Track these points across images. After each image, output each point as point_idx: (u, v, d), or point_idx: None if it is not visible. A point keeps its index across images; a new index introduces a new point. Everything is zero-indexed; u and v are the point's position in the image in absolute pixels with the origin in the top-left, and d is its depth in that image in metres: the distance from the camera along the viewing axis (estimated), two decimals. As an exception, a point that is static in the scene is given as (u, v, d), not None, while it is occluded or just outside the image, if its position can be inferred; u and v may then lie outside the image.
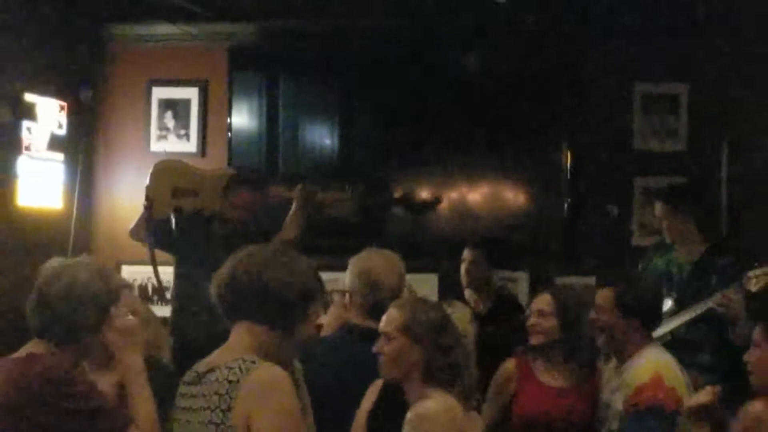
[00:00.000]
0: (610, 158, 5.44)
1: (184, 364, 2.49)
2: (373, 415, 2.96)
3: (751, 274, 4.02)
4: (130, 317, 2.62)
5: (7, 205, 5.06)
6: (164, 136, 5.85)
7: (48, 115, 5.32)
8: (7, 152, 5.06)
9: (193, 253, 4.46)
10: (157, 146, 5.83)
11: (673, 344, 4.12)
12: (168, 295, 4.89)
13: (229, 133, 5.72)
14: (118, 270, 5.30)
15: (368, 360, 2.92)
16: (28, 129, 5.17)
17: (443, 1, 5.28)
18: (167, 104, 5.86)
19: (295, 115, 5.86)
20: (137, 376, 2.55)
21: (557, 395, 3.55)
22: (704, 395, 3.00)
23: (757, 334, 3.04)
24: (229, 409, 2.25)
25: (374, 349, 2.90)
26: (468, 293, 4.90)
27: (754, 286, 4.00)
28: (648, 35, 5.33)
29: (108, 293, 2.61)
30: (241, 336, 2.39)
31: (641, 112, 5.44)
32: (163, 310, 4.91)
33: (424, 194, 5.56)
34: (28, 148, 5.17)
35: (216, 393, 2.28)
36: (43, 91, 5.27)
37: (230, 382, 2.26)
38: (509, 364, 3.74)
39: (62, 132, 5.44)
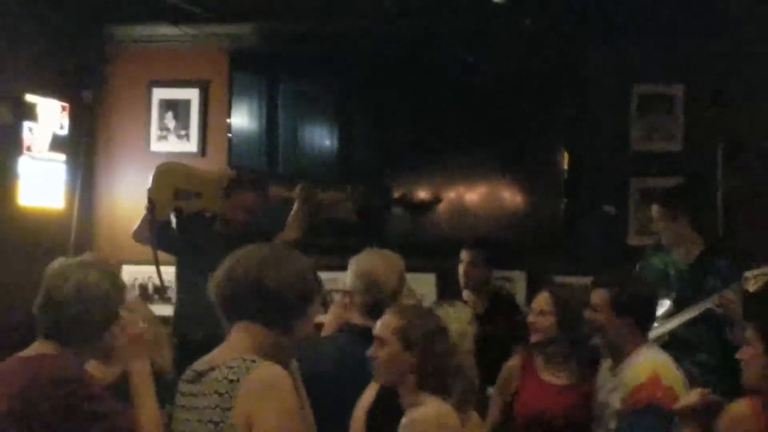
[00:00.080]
0: (607, 159, 5.43)
1: (186, 363, 2.48)
2: (371, 414, 2.94)
3: (749, 274, 4.02)
4: (142, 324, 2.61)
5: (9, 204, 5.06)
6: (165, 136, 5.84)
7: (49, 116, 5.32)
8: (9, 152, 5.06)
9: (194, 254, 4.46)
10: (157, 146, 5.82)
11: (672, 344, 4.12)
12: (169, 294, 4.87)
13: (229, 134, 5.71)
14: (119, 270, 5.29)
15: (368, 359, 2.92)
16: (30, 129, 5.17)
17: (442, 3, 5.26)
18: (168, 105, 5.85)
19: (294, 115, 5.85)
20: (144, 384, 2.56)
21: (557, 393, 3.57)
22: (693, 396, 3.02)
23: (749, 333, 3.06)
24: (229, 408, 2.23)
25: (368, 353, 2.90)
26: (466, 293, 4.89)
27: (752, 286, 4.00)
28: (645, 37, 5.32)
29: (116, 292, 2.61)
30: (239, 336, 2.37)
31: (638, 113, 5.42)
32: (164, 309, 4.91)
33: (423, 194, 5.54)
34: (29, 149, 5.17)
35: (216, 392, 2.26)
36: (44, 92, 5.27)
37: (230, 381, 2.24)
38: (513, 362, 3.77)
39: (63, 132, 5.45)
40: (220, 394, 2.24)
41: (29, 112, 5.15)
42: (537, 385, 3.60)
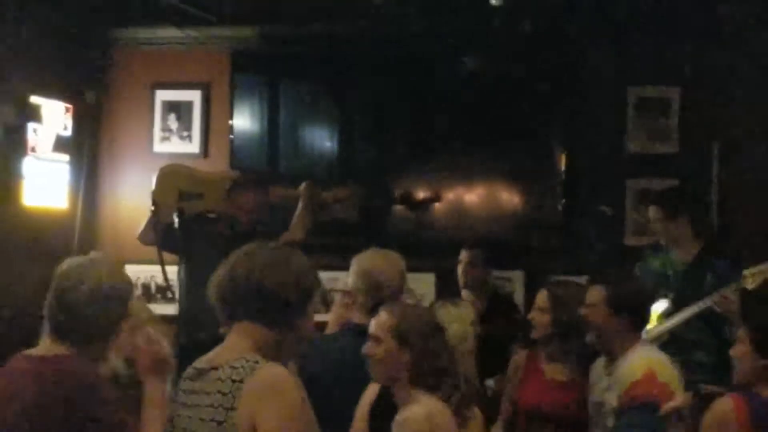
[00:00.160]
0: (604, 160, 5.43)
1: (190, 362, 2.47)
2: (373, 412, 2.93)
3: (747, 272, 4.02)
4: (165, 345, 2.58)
5: (14, 204, 5.05)
6: (167, 137, 5.83)
7: (53, 117, 5.31)
8: (14, 153, 5.04)
9: (198, 254, 4.45)
10: (160, 147, 5.81)
11: (671, 343, 4.12)
12: (174, 294, 4.87)
13: (231, 135, 5.70)
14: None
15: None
16: (34, 130, 5.15)
17: (441, 5, 5.26)
18: (170, 106, 5.84)
19: (295, 117, 5.85)
20: (156, 403, 2.52)
21: (557, 388, 3.61)
22: (679, 398, 3.06)
23: (741, 331, 3.09)
24: (232, 408, 2.21)
25: (363, 350, 2.88)
26: (465, 293, 4.89)
27: (750, 284, 4.01)
28: (642, 41, 5.32)
29: (126, 291, 2.59)
30: (240, 336, 2.35)
31: (634, 115, 5.42)
32: (167, 309, 4.91)
33: (423, 193, 5.54)
34: (33, 150, 5.15)
35: (219, 392, 2.24)
36: (48, 94, 5.25)
37: (234, 381, 2.23)
38: (519, 357, 3.82)
39: (67, 133, 5.43)
40: (224, 394, 2.23)
41: (33, 114, 5.13)
42: (539, 380, 3.64)
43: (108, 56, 5.87)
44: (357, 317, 3.32)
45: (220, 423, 2.22)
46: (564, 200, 5.42)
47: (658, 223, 4.39)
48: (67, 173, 5.46)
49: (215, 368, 2.29)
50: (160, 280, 5.31)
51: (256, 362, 2.26)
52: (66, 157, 5.43)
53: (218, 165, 5.57)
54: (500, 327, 4.56)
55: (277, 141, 5.78)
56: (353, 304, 3.36)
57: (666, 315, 4.21)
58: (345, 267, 3.49)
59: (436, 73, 5.49)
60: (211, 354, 2.38)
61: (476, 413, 2.96)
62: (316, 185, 4.89)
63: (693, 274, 4.29)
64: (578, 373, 3.60)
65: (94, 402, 2.40)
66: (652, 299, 3.90)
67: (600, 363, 3.51)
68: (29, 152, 5.12)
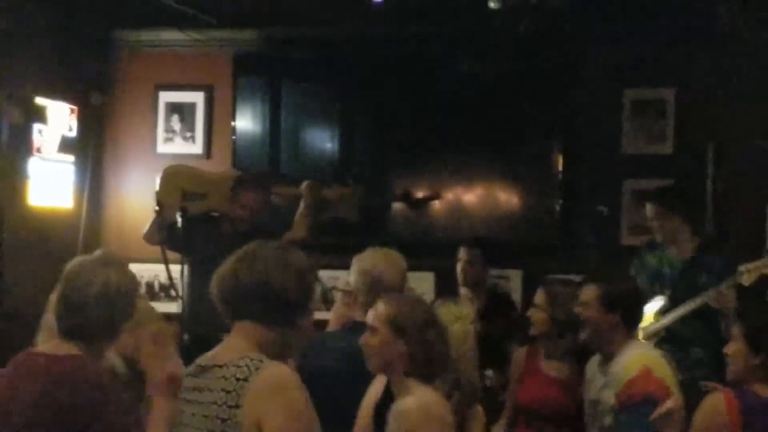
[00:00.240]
0: (601, 161, 5.44)
1: (193, 359, 2.46)
2: (378, 407, 2.92)
3: (742, 268, 4.02)
4: (178, 362, 2.56)
5: (19, 204, 5.05)
6: (171, 138, 5.83)
7: (59, 118, 5.31)
8: (19, 154, 5.05)
9: (202, 253, 4.45)
10: (163, 148, 5.81)
11: (667, 339, 4.12)
12: (177, 292, 4.87)
13: (234, 136, 5.69)
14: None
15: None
16: (40, 131, 5.16)
17: (440, 7, 5.26)
18: (174, 108, 5.84)
19: (296, 117, 5.85)
20: (163, 419, 2.45)
21: (555, 385, 3.62)
22: (670, 402, 3.08)
23: (735, 329, 3.10)
24: (237, 406, 2.20)
25: (360, 340, 2.87)
26: (463, 291, 4.88)
27: (746, 280, 4.01)
28: (637, 43, 5.32)
29: (134, 289, 2.59)
30: (243, 335, 2.34)
31: (630, 117, 5.42)
32: (170, 307, 4.91)
33: (423, 193, 5.55)
34: (39, 150, 5.15)
35: (223, 389, 2.23)
36: (54, 95, 5.25)
37: (238, 379, 2.22)
38: (519, 354, 3.83)
39: (72, 134, 5.44)
40: (228, 392, 2.22)
41: (39, 115, 5.13)
42: (537, 376, 3.66)
43: (113, 58, 5.88)
44: (358, 316, 3.31)
45: (224, 420, 2.21)
46: (561, 200, 5.41)
47: (655, 220, 4.39)
48: (72, 174, 5.46)
49: (219, 366, 2.28)
50: (163, 278, 5.32)
51: (261, 361, 2.25)
52: (71, 158, 5.44)
53: (221, 166, 5.57)
54: (498, 325, 4.57)
55: (279, 141, 5.78)
56: (354, 303, 3.36)
57: (662, 312, 4.22)
58: (345, 266, 3.48)
59: (435, 75, 5.49)
60: (213, 351, 2.37)
61: (478, 411, 2.96)
62: (318, 183, 4.89)
63: (689, 272, 4.29)
64: (576, 370, 3.60)
65: (108, 403, 2.39)
66: (645, 298, 3.90)
67: (594, 361, 3.51)
68: (35, 153, 5.12)
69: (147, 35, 5.82)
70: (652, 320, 4.19)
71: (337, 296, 3.64)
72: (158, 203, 4.57)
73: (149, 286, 5.58)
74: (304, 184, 4.86)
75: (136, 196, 5.71)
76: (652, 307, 4.22)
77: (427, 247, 5.37)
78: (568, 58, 5.43)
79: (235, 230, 4.56)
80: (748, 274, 4.00)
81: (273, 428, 2.18)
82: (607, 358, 3.41)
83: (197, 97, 5.81)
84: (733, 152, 5.20)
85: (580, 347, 3.56)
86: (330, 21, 5.49)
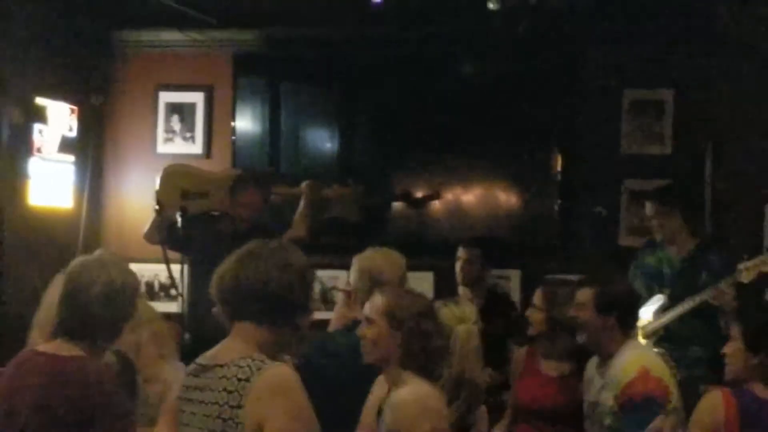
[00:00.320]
0: (599, 161, 5.43)
1: (194, 357, 2.45)
2: (382, 408, 2.90)
3: (741, 266, 4.02)
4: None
5: (20, 204, 5.04)
6: (171, 138, 5.82)
7: (59, 118, 5.29)
8: (20, 154, 5.03)
9: (202, 252, 4.44)
10: (163, 148, 5.80)
11: (667, 338, 4.11)
12: (178, 292, 4.86)
13: (233, 136, 5.69)
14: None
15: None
16: (40, 131, 5.14)
17: (440, 8, 5.25)
18: (174, 108, 5.82)
19: (296, 118, 5.85)
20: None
21: (551, 384, 3.63)
22: (658, 421, 3.10)
23: (733, 329, 3.11)
24: (238, 406, 2.19)
25: (357, 332, 2.86)
26: (462, 290, 4.88)
27: (745, 278, 4.01)
28: (636, 43, 5.32)
29: (136, 290, 2.58)
30: (243, 335, 2.32)
31: (629, 117, 5.42)
32: (170, 307, 4.90)
33: (423, 192, 5.54)
34: (39, 150, 5.14)
35: (224, 389, 2.22)
36: (54, 95, 5.24)
37: (240, 380, 2.21)
38: (519, 354, 3.86)
39: (72, 134, 5.43)
40: (229, 392, 2.21)
41: (39, 115, 5.12)
42: (536, 375, 3.67)
43: (113, 59, 5.86)
44: (359, 315, 3.29)
45: (225, 420, 2.20)
46: (560, 200, 5.42)
47: (655, 219, 4.39)
48: (72, 174, 5.45)
49: (220, 365, 2.27)
50: (163, 278, 5.31)
51: (262, 362, 2.23)
52: (71, 158, 5.42)
53: (221, 166, 5.56)
54: (497, 324, 4.55)
55: (279, 142, 5.77)
56: (355, 303, 3.34)
57: (662, 310, 4.21)
58: (345, 266, 3.47)
59: (435, 75, 5.49)
60: (213, 350, 2.35)
61: (483, 412, 2.95)
62: (318, 182, 4.88)
63: (689, 271, 4.30)
64: (573, 369, 3.61)
65: (112, 405, 2.38)
66: (640, 299, 3.90)
67: (593, 362, 3.51)
68: (35, 153, 5.11)
69: (147, 35, 5.81)
70: (651, 318, 4.19)
71: (338, 296, 3.62)
72: (158, 203, 4.57)
73: (149, 286, 5.57)
74: (304, 184, 4.85)
75: (136, 196, 5.70)
76: (649, 309, 4.22)
77: (427, 247, 5.37)
78: (567, 58, 5.43)
79: (235, 230, 4.55)
80: (747, 271, 4.00)
81: (275, 429, 2.17)
82: (605, 360, 3.41)
83: (197, 98, 5.79)
84: (732, 152, 5.20)
85: (579, 347, 3.56)
86: (330, 21, 5.48)
